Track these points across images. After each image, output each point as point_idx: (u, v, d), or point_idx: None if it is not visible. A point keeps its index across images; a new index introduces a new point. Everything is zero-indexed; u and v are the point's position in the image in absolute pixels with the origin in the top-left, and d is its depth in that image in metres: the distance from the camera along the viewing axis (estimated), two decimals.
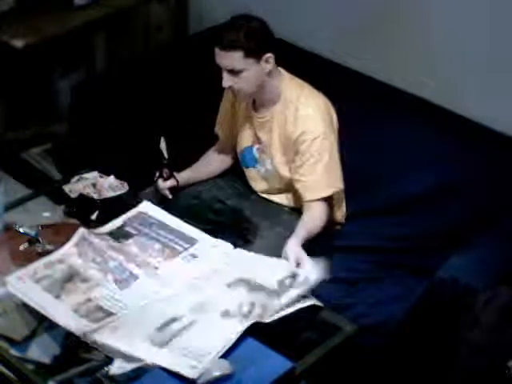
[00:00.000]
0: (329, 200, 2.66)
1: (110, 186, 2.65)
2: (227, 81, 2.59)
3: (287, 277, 2.26)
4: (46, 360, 2.10)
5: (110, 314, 2.16)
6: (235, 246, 2.45)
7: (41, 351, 2.12)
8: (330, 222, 2.85)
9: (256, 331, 2.08)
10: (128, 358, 2.02)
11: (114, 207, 2.59)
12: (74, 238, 2.39)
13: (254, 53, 2.55)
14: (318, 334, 2.24)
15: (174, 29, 3.85)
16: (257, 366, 2.01)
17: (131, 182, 2.70)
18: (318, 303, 2.25)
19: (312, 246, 2.77)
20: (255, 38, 2.56)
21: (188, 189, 2.89)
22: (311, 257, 2.33)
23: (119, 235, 2.46)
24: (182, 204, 2.82)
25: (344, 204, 2.89)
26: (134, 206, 2.59)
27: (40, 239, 2.45)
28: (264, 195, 2.82)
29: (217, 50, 2.59)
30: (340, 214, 2.88)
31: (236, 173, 2.91)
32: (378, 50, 3.15)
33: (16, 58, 3.41)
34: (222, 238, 2.47)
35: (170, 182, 2.85)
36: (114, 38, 3.70)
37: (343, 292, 2.65)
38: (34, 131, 3.75)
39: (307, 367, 2.09)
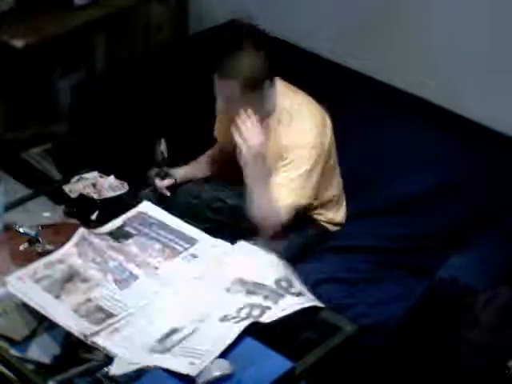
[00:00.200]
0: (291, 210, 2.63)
1: (110, 186, 2.65)
2: (222, 106, 2.62)
3: (283, 278, 2.26)
4: (46, 360, 2.10)
5: (110, 314, 2.16)
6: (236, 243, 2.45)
7: (41, 351, 2.12)
8: (330, 222, 2.86)
9: (256, 331, 2.08)
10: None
11: (114, 207, 2.59)
12: (74, 238, 2.39)
13: (251, 85, 2.52)
14: (317, 334, 2.24)
15: (174, 29, 3.85)
16: (257, 366, 2.01)
17: (131, 182, 2.70)
18: (318, 303, 2.25)
19: (311, 247, 2.79)
20: (254, 71, 2.52)
21: (186, 186, 2.90)
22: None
23: (119, 235, 2.46)
24: (181, 203, 2.82)
25: (344, 205, 2.89)
26: (134, 205, 2.59)
27: (40, 239, 2.45)
28: None
29: (215, 77, 2.57)
30: (340, 215, 2.87)
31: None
32: (377, 50, 3.15)
33: (16, 58, 3.40)
34: (222, 238, 2.47)
35: (168, 181, 2.86)
36: (114, 38, 3.70)
37: (343, 292, 2.65)
38: (34, 131, 3.75)
39: (307, 367, 2.09)
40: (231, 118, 2.69)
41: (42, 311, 2.15)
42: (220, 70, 2.53)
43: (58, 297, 2.20)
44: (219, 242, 2.45)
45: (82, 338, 2.07)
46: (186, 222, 2.53)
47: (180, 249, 2.42)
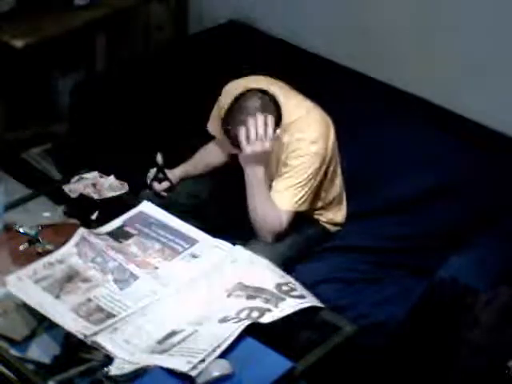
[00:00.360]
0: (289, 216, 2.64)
1: (110, 186, 2.65)
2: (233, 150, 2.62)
3: (285, 283, 2.26)
4: (46, 360, 2.10)
5: (110, 314, 2.16)
6: (235, 245, 2.45)
7: (41, 351, 2.12)
8: (330, 222, 2.86)
9: (256, 331, 2.08)
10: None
11: (114, 207, 2.59)
12: (74, 238, 2.39)
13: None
14: (318, 334, 2.24)
15: (174, 29, 3.85)
16: (257, 366, 2.01)
17: (131, 182, 2.70)
18: (318, 303, 2.25)
19: (311, 247, 2.79)
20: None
21: (186, 183, 2.90)
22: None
23: (119, 235, 2.46)
24: (181, 203, 2.82)
25: (344, 206, 2.89)
26: (134, 205, 2.59)
27: (40, 239, 2.45)
28: None
29: (224, 134, 2.60)
30: (340, 215, 2.88)
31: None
32: (377, 50, 3.15)
33: (16, 58, 3.41)
34: (222, 238, 2.47)
35: (165, 184, 2.87)
36: (114, 38, 3.70)
37: (343, 292, 2.65)
38: (34, 131, 3.76)
39: (307, 367, 2.09)
40: None
41: (42, 311, 2.15)
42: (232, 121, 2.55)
43: (57, 297, 2.20)
44: (219, 242, 2.45)
45: (82, 337, 2.07)
46: (186, 222, 2.53)
47: (180, 249, 2.42)
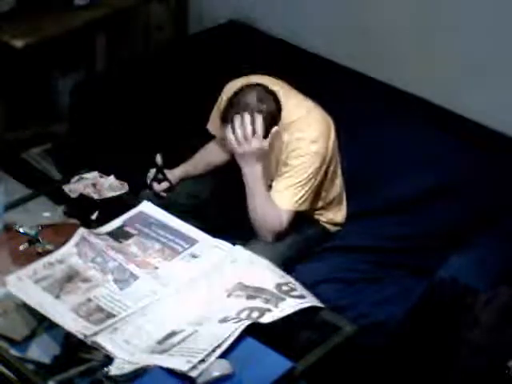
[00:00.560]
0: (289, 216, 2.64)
1: (110, 186, 2.65)
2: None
3: (285, 283, 2.26)
4: (46, 360, 2.10)
5: (110, 314, 2.16)
6: (235, 245, 2.45)
7: (41, 351, 2.12)
8: (330, 222, 2.86)
9: (256, 331, 2.08)
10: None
11: (114, 207, 2.59)
12: (74, 238, 2.39)
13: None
14: (318, 334, 2.24)
15: (174, 29, 3.85)
16: (257, 366, 2.01)
17: (131, 182, 2.70)
18: (318, 303, 2.25)
19: (311, 247, 2.79)
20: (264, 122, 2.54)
21: (186, 183, 2.90)
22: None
23: (119, 235, 2.46)
24: (181, 203, 2.82)
25: (344, 206, 2.89)
26: (134, 205, 2.59)
27: (40, 239, 2.45)
28: None
29: (222, 124, 2.61)
30: (340, 215, 2.88)
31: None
32: (377, 50, 3.15)
33: (16, 58, 3.41)
34: (222, 238, 2.47)
35: (164, 184, 2.87)
36: (114, 38, 3.70)
37: (343, 292, 2.65)
38: (34, 131, 3.76)
39: (307, 367, 2.09)
40: None
41: (42, 311, 2.15)
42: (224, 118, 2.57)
43: (57, 297, 2.20)
44: (219, 242, 2.45)
45: (82, 337, 2.07)
46: (186, 222, 2.53)
47: (180, 249, 2.42)
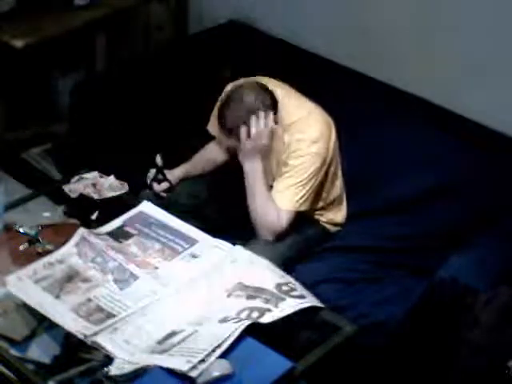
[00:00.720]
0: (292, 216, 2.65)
1: (110, 186, 2.65)
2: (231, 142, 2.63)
3: (285, 283, 2.26)
4: (46, 360, 2.10)
5: (110, 314, 2.16)
6: (235, 245, 2.45)
7: (41, 351, 2.12)
8: (330, 223, 2.86)
9: (256, 331, 2.08)
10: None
11: (114, 207, 2.59)
12: (74, 238, 2.39)
13: (259, 111, 2.55)
14: (317, 334, 2.24)
15: (174, 29, 3.85)
16: (257, 366, 2.01)
17: (131, 182, 2.70)
18: (318, 303, 2.25)
19: (311, 247, 2.79)
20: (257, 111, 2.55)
21: (186, 183, 2.90)
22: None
23: (119, 235, 2.46)
24: (181, 203, 2.82)
25: (345, 206, 2.89)
26: (134, 205, 2.59)
27: (40, 239, 2.45)
28: None
29: (218, 126, 2.61)
30: (340, 215, 2.88)
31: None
32: (377, 51, 3.15)
33: (16, 58, 3.40)
34: (222, 238, 2.47)
35: (164, 184, 2.87)
36: (114, 38, 3.70)
37: (343, 292, 2.65)
38: (34, 131, 3.75)
39: (307, 367, 2.09)
40: None
41: (42, 311, 2.15)
42: (220, 122, 2.59)
43: (57, 297, 2.20)
44: (219, 242, 2.45)
45: (82, 337, 2.07)
46: (186, 222, 2.53)
47: (180, 249, 2.42)
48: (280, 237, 2.64)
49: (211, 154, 2.96)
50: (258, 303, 2.17)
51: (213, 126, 2.89)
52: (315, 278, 2.59)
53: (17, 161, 3.67)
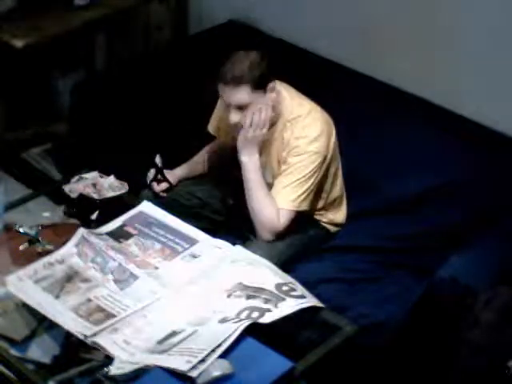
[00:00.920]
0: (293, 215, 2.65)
1: (110, 186, 2.65)
2: (235, 116, 2.59)
3: (284, 283, 2.26)
4: (46, 360, 2.10)
5: (110, 314, 2.16)
6: (235, 245, 2.45)
7: (41, 351, 2.12)
8: (330, 223, 2.86)
9: (256, 331, 2.08)
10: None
11: (113, 207, 2.59)
12: (74, 238, 2.39)
13: (260, 84, 2.54)
14: (317, 334, 2.24)
15: (174, 29, 3.85)
16: (257, 366, 2.01)
17: (131, 182, 2.70)
18: (318, 303, 2.25)
19: (311, 247, 2.79)
20: (259, 69, 2.54)
21: (186, 183, 2.90)
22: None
23: (119, 235, 2.46)
24: (181, 203, 2.82)
25: (345, 206, 2.89)
26: (134, 206, 2.59)
27: (40, 239, 2.45)
28: None
29: (221, 87, 2.57)
30: (341, 215, 2.88)
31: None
32: (377, 51, 3.15)
33: (16, 58, 3.41)
34: (222, 238, 2.47)
35: (164, 185, 2.87)
36: (114, 38, 3.70)
37: (343, 292, 2.65)
38: (34, 131, 3.75)
39: (307, 367, 2.09)
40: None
41: (42, 311, 2.15)
42: (227, 78, 2.54)
43: (57, 297, 2.20)
44: (219, 242, 2.45)
45: (81, 338, 2.07)
46: (186, 222, 2.53)
47: (180, 249, 2.42)
48: (279, 236, 2.64)
49: (211, 155, 2.97)
50: (258, 303, 2.17)
51: (213, 126, 2.90)
52: (315, 278, 2.59)
53: (17, 161, 3.67)
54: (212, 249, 2.42)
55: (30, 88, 3.69)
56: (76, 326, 2.10)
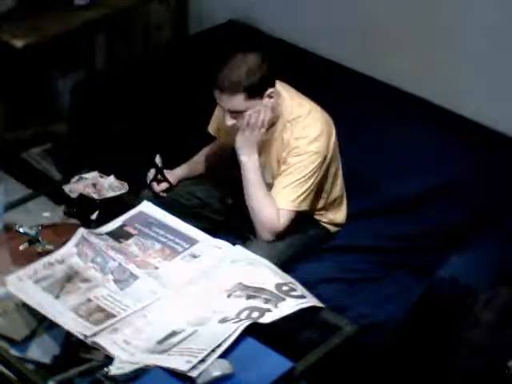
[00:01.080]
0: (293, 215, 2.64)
1: (110, 185, 2.65)
2: (230, 121, 2.59)
3: (284, 283, 2.26)
4: (46, 360, 2.10)
5: (110, 314, 2.16)
6: (235, 245, 2.45)
7: (41, 351, 2.12)
8: (331, 223, 2.86)
9: (256, 331, 2.08)
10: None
11: (113, 207, 2.59)
12: (74, 238, 2.39)
13: (256, 93, 2.53)
14: (317, 334, 2.24)
15: (174, 29, 3.85)
16: (257, 366, 2.01)
17: (131, 182, 2.70)
18: (318, 303, 2.25)
19: (312, 247, 2.79)
20: (259, 73, 2.52)
21: (186, 183, 2.90)
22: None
23: (119, 235, 2.46)
24: (181, 203, 2.82)
25: (345, 206, 2.89)
26: (134, 206, 2.59)
27: (40, 239, 2.45)
28: None
29: (218, 93, 2.56)
30: (341, 215, 2.88)
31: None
32: (377, 51, 3.15)
33: (16, 58, 3.41)
34: (222, 238, 2.47)
35: (164, 185, 2.87)
36: (114, 38, 3.70)
37: (343, 292, 2.65)
38: (34, 131, 3.75)
39: (307, 367, 2.09)
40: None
41: (42, 311, 2.15)
42: (223, 85, 2.53)
43: (57, 297, 2.20)
44: (219, 242, 2.45)
45: (81, 338, 2.07)
46: (186, 222, 2.53)
47: (180, 249, 2.42)
48: (279, 236, 2.64)
49: (211, 155, 2.97)
50: (258, 303, 2.17)
51: (213, 127, 2.90)
52: (315, 278, 2.59)
53: (17, 161, 3.67)
54: (212, 249, 2.42)
55: (30, 88, 3.69)
56: (76, 326, 2.10)
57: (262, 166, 2.64)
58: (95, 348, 2.06)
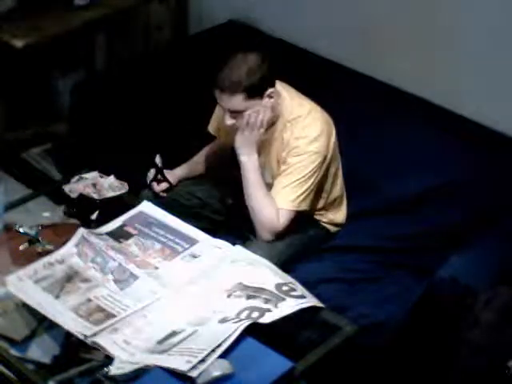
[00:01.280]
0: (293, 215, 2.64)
1: (110, 185, 2.65)
2: (230, 120, 2.59)
3: (284, 283, 2.26)
4: (46, 360, 2.10)
5: (110, 314, 2.16)
6: (235, 245, 2.45)
7: (41, 351, 2.12)
8: (331, 223, 2.86)
9: (256, 331, 2.08)
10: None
11: (113, 207, 2.59)
12: (74, 238, 2.39)
13: (256, 92, 2.53)
14: (317, 334, 2.24)
15: (174, 29, 3.85)
16: (257, 366, 2.01)
17: (131, 182, 2.71)
18: (318, 303, 2.25)
19: (312, 247, 2.79)
20: (259, 73, 2.52)
21: (186, 183, 2.90)
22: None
23: (119, 235, 2.46)
24: (181, 203, 2.82)
25: (345, 206, 2.89)
26: (134, 206, 2.59)
27: (40, 239, 2.45)
28: None
29: (218, 93, 2.56)
30: (341, 215, 2.88)
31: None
32: (377, 51, 3.15)
33: (16, 58, 3.41)
34: (222, 238, 2.47)
35: (164, 185, 2.87)
36: (114, 38, 3.70)
37: (343, 292, 2.65)
38: (34, 131, 3.75)
39: (307, 367, 2.09)
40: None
41: (42, 311, 2.15)
42: (223, 85, 2.53)
43: (57, 297, 2.20)
44: (219, 242, 2.45)
45: (82, 338, 2.07)
46: (186, 222, 2.53)
47: (180, 249, 2.42)
48: (279, 236, 2.64)
49: (211, 155, 2.97)
50: (258, 303, 2.17)
51: (213, 127, 2.90)
52: (315, 278, 2.59)
53: (17, 161, 3.67)
54: (212, 249, 2.43)
55: (30, 88, 3.69)
56: (76, 326, 2.10)
57: (261, 166, 2.64)
58: (95, 348, 2.06)
